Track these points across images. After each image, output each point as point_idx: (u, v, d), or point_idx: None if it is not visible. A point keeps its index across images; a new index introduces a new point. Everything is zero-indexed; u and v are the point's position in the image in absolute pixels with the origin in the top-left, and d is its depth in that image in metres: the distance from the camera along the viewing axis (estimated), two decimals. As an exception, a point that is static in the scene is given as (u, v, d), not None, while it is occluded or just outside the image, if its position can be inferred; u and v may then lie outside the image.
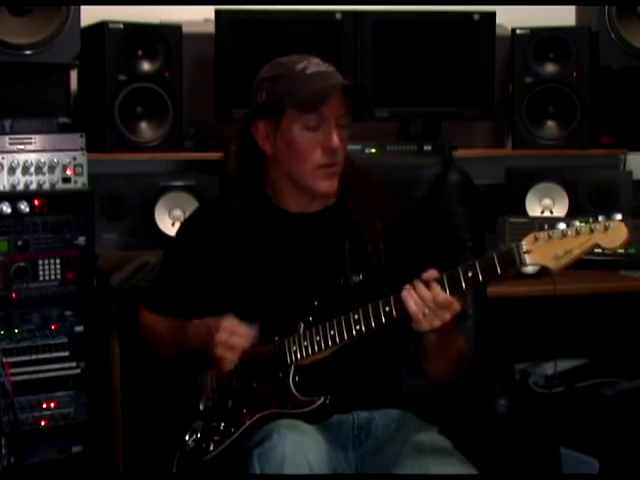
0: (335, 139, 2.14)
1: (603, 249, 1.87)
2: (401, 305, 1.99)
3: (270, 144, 2.19)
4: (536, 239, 1.89)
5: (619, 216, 1.84)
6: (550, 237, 1.87)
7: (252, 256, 2.22)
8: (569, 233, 1.86)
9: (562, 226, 1.87)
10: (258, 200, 2.25)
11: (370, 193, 2.25)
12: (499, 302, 2.39)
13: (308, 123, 2.14)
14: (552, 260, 1.87)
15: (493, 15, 3.58)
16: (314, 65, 2.17)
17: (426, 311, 1.97)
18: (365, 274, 2.17)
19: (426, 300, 1.96)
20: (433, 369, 2.18)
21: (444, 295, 1.96)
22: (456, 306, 1.97)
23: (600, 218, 1.85)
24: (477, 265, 1.95)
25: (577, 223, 1.86)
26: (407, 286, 1.99)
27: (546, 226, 1.89)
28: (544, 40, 3.61)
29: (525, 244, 1.89)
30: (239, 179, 2.26)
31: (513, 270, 1.94)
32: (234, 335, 2.12)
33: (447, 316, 1.97)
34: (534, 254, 1.89)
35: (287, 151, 2.17)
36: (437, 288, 1.96)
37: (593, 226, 1.84)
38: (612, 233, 1.83)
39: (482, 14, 3.57)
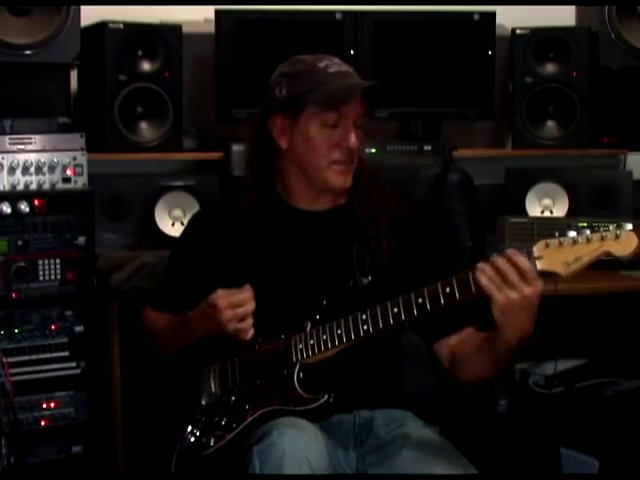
0: (353, 138, 2.16)
1: (614, 257, 1.87)
2: (409, 307, 1.98)
3: (286, 138, 2.20)
4: (547, 245, 1.89)
5: (630, 225, 1.84)
6: (561, 244, 1.88)
7: (261, 253, 2.23)
8: (580, 240, 1.86)
9: (573, 234, 1.88)
10: (268, 196, 2.26)
11: (377, 191, 2.26)
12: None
13: (327, 121, 2.15)
14: (562, 266, 1.88)
15: (493, 15, 3.58)
16: (335, 64, 2.18)
17: (500, 283, 1.87)
18: (374, 276, 2.17)
19: (501, 271, 1.87)
20: (476, 370, 2.10)
21: (526, 263, 1.87)
22: (535, 279, 1.88)
23: (611, 227, 1.85)
24: None
25: (588, 231, 1.87)
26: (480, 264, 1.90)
27: (557, 233, 1.89)
28: (544, 40, 3.60)
29: (536, 250, 1.90)
30: (252, 175, 2.27)
31: None
32: (236, 306, 2.10)
33: (527, 289, 1.87)
34: (544, 260, 1.89)
35: (303, 146, 2.17)
36: (521, 258, 1.87)
37: (604, 234, 1.85)
38: (623, 242, 1.84)
39: (482, 14, 3.57)
